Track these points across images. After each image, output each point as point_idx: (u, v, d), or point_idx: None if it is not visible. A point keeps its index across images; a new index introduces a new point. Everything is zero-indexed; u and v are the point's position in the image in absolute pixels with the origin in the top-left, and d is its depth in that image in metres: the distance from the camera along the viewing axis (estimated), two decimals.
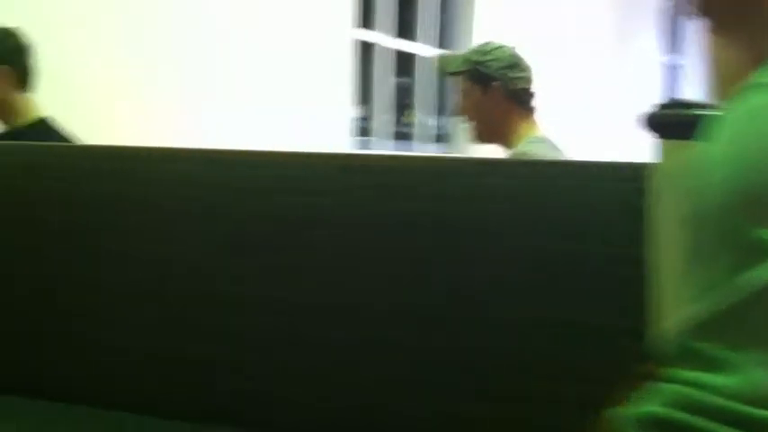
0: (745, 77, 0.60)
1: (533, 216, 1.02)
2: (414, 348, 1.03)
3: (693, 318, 0.54)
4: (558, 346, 0.99)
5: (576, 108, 6.37)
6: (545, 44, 5.60)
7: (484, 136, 2.39)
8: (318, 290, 1.08)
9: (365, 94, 5.21)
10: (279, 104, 4.19)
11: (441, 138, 6.03)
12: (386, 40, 5.32)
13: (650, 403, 0.53)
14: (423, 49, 5.69)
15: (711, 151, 0.57)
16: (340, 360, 1.06)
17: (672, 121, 0.88)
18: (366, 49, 5.15)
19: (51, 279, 1.25)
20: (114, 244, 1.20)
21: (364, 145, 5.22)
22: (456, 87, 2.44)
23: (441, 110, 5.94)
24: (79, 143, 2.23)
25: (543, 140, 2.31)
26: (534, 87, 2.37)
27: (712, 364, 0.51)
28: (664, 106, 0.93)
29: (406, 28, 5.57)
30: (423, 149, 5.74)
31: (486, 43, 2.41)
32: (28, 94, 2.29)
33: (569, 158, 2.13)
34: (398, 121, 5.69)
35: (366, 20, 5.10)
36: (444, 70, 2.57)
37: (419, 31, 5.69)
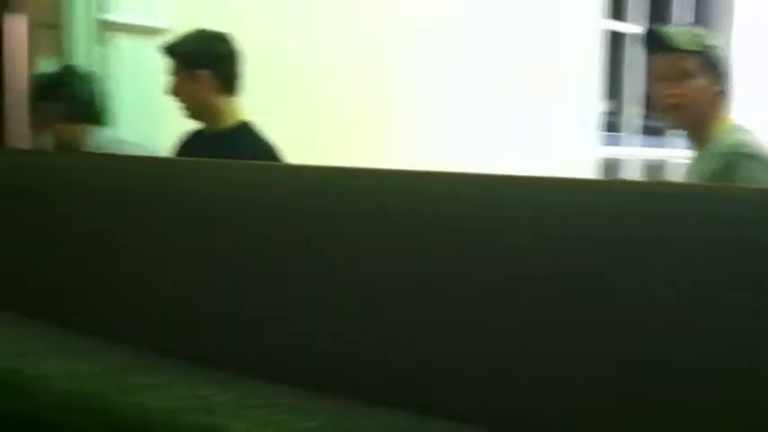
0: None
1: None
2: None
3: None
4: None
5: None
6: None
7: (688, 125, 2.23)
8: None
9: (613, 87, 4.98)
10: (521, 99, 4.10)
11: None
12: (637, 29, 5.06)
13: None
14: None
15: None
16: None
17: None
18: (616, 40, 4.92)
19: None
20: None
21: (612, 141, 4.99)
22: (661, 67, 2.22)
23: None
24: (277, 149, 2.27)
25: (746, 131, 2.17)
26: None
27: None
28: None
29: (659, 17, 5.26)
30: (674, 145, 5.39)
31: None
32: (231, 99, 2.35)
33: None
34: (647, 116, 5.39)
35: (617, 10, 4.88)
36: (670, 44, 2.19)
37: (674, 18, 5.36)
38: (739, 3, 5.52)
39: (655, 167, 5.31)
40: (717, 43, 2.21)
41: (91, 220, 1.49)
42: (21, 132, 3.08)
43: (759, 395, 0.84)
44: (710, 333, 0.86)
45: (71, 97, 2.36)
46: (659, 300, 0.91)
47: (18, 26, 3.10)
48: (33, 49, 2.76)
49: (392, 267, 1.08)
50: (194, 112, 2.32)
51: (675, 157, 4.59)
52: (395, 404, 1.02)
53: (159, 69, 2.64)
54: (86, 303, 1.40)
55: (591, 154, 4.62)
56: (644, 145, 5.23)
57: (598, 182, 1.10)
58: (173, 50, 2.32)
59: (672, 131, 3.61)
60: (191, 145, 2.36)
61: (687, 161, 2.27)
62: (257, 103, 2.32)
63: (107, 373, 1.16)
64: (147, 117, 2.52)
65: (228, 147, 2.25)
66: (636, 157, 5.26)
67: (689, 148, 2.21)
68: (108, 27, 2.57)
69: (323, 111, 3.11)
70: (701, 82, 2.18)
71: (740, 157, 2.06)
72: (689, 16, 5.44)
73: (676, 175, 4.49)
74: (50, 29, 2.65)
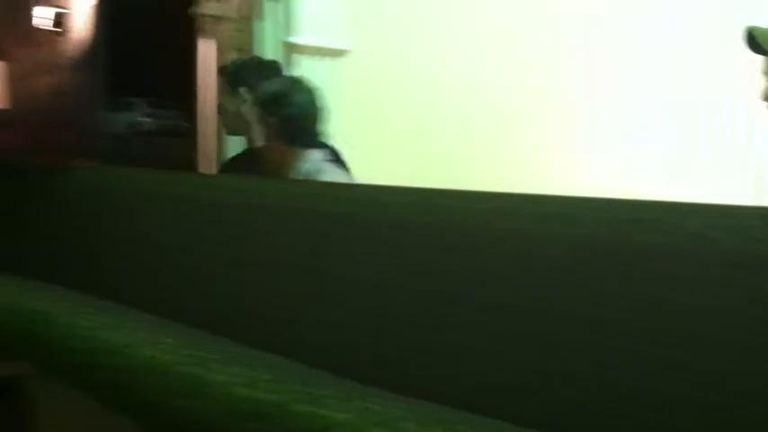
0: None
1: None
2: None
3: None
4: None
5: None
6: None
7: None
8: None
9: None
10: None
11: None
12: None
13: None
14: None
15: None
16: None
17: None
18: None
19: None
20: None
21: None
22: None
23: None
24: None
25: None
26: None
27: None
28: None
29: None
30: None
31: None
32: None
33: None
34: None
35: None
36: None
37: None
38: None
39: None
40: None
41: (284, 241, 1.53)
42: (209, 152, 3.26)
43: None
44: None
45: (289, 114, 2.19)
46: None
47: (208, 50, 3.30)
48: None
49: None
50: (233, 128, 2.32)
51: None
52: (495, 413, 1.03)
53: (340, 89, 2.71)
54: (267, 319, 1.44)
55: None
56: None
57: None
58: (222, 70, 2.34)
59: None
60: (240, 160, 2.38)
61: None
62: (433, 119, 2.31)
63: (284, 381, 1.17)
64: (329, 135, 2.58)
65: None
66: None
67: None
68: (293, 49, 2.66)
69: (509, 125, 3.08)
70: None
71: None
72: None
73: None
74: (240, 52, 2.77)
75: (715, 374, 0.96)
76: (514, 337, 1.14)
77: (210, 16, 2.96)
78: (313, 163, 2.17)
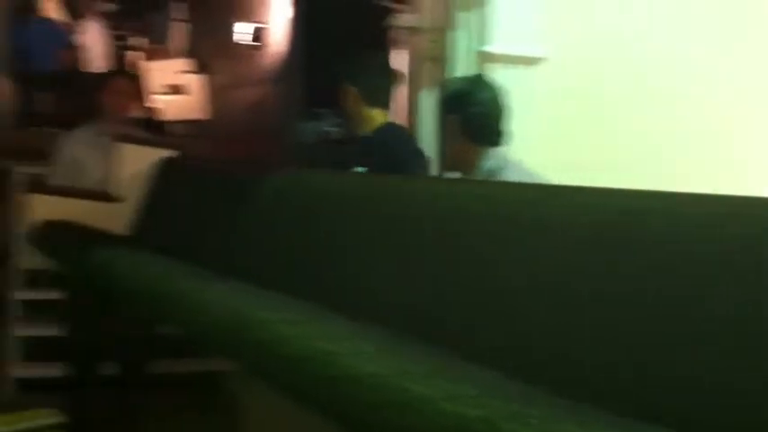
0: None
1: None
2: None
3: None
4: None
5: None
6: None
7: None
8: None
9: None
10: None
11: None
12: None
13: None
14: None
15: None
16: None
17: None
18: None
19: None
20: None
21: None
22: None
23: None
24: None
25: None
26: None
27: None
28: None
29: None
30: None
31: None
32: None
33: None
34: None
35: None
36: None
37: None
38: None
39: None
40: None
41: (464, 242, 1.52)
42: None
43: None
44: None
45: (473, 113, 2.16)
46: None
47: (401, 60, 3.35)
48: (418, 80, 2.94)
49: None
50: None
51: None
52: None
53: (534, 97, 2.67)
54: (469, 327, 1.43)
55: None
56: None
57: None
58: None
59: None
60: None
61: None
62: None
63: (491, 397, 1.15)
64: (522, 141, 2.54)
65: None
66: None
67: None
68: (487, 58, 2.64)
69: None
70: None
71: None
72: None
73: None
74: (434, 62, 2.79)
75: None
76: (704, 335, 1.08)
77: (405, 28, 3.00)
78: (496, 160, 2.14)
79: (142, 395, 3.24)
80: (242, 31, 7.68)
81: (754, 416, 0.95)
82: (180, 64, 8.05)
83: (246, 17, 7.88)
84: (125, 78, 3.46)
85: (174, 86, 7.88)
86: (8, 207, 4.28)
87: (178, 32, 8.63)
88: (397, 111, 3.34)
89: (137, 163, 3.07)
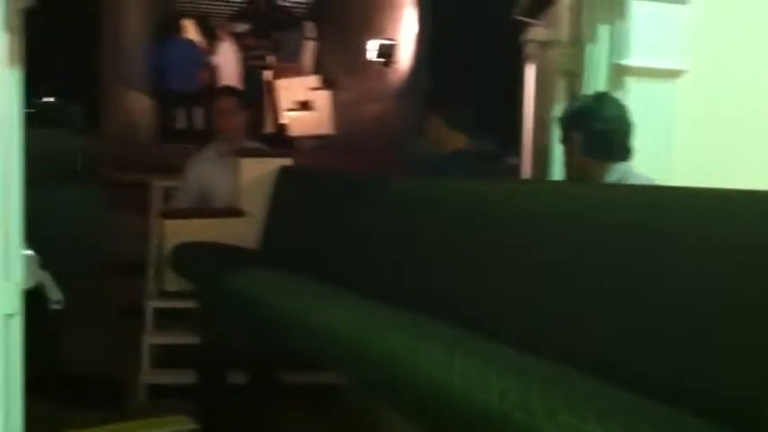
0: None
1: None
2: None
3: None
4: None
5: None
6: None
7: None
8: None
9: None
10: None
11: None
12: None
13: None
14: None
15: None
16: None
17: None
18: None
19: None
20: None
21: None
22: None
23: None
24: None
25: None
26: None
27: None
28: None
29: None
30: None
31: None
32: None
33: None
34: None
35: None
36: None
37: None
38: None
39: None
40: None
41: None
42: (526, 165, 3.26)
43: None
44: None
45: (597, 129, 2.18)
46: None
47: (530, 74, 3.29)
48: (548, 94, 2.87)
49: None
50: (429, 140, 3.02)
51: None
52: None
53: (673, 111, 2.55)
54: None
55: None
56: None
57: None
58: None
59: None
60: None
61: None
62: None
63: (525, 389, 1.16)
64: (658, 157, 2.43)
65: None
66: None
67: None
68: (622, 71, 2.55)
69: None
70: None
71: None
72: None
73: None
74: (569, 76, 2.71)
75: None
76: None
77: (538, 42, 2.94)
78: (621, 174, 2.15)
79: (272, 404, 3.29)
80: (371, 48, 7.78)
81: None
82: (309, 81, 8.24)
83: (375, 35, 7.98)
84: (231, 96, 3.53)
85: (303, 103, 8.07)
86: (146, 219, 4.46)
87: (308, 50, 8.82)
88: (527, 129, 3.28)
89: (256, 175, 3.13)
